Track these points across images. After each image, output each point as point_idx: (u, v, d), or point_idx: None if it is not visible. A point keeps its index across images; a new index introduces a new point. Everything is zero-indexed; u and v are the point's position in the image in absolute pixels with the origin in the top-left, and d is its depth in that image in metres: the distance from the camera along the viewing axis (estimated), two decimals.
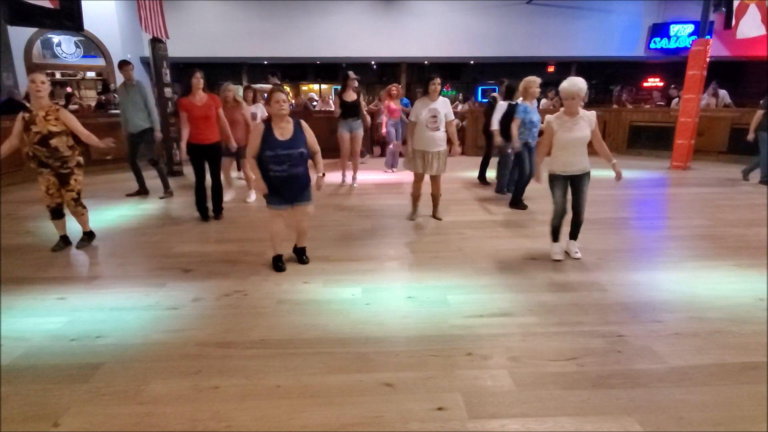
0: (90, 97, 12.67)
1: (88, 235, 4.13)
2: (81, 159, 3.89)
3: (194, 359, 2.36)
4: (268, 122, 3.24)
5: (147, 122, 5.77)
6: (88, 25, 8.00)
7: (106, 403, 2.03)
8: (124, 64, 5.76)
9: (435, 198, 4.90)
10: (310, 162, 3.40)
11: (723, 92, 10.79)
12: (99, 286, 3.29)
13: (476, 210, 5.23)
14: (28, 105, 8.32)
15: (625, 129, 9.92)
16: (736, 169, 7.50)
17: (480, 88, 16.69)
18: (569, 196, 3.65)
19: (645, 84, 15.94)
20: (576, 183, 3.58)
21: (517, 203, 5.36)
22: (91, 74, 12.58)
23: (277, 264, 3.57)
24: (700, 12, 8.17)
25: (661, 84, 15.67)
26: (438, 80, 4.49)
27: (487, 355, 2.39)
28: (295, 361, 2.34)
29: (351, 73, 6.62)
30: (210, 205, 4.94)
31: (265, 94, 3.52)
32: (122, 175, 7.53)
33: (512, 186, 5.80)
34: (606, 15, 13.01)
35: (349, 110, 6.54)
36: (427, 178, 4.75)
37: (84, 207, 3.99)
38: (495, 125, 5.57)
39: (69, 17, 7.11)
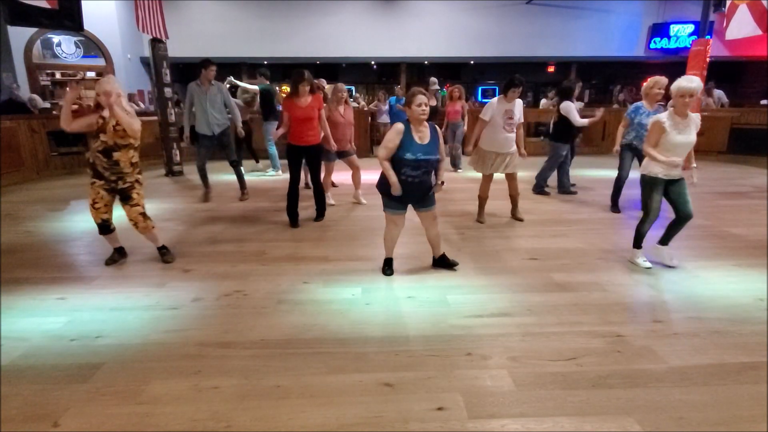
0: (90, 97, 12.63)
1: (166, 249, 3.82)
2: (141, 177, 3.59)
3: (194, 359, 2.36)
4: (407, 124, 3.10)
5: (227, 122, 5.68)
6: (87, 25, 7.99)
7: (106, 403, 2.04)
8: (209, 64, 5.54)
9: (514, 198, 4.88)
10: None
11: (719, 92, 10.80)
12: (99, 286, 3.29)
13: (475, 210, 5.22)
14: (28, 105, 8.32)
15: (600, 126, 9.94)
16: (736, 169, 7.50)
17: (480, 88, 16.70)
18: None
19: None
20: (677, 187, 3.40)
21: (615, 205, 5.36)
22: (91, 74, 12.57)
23: (387, 268, 3.48)
24: (700, 12, 8.18)
25: None
26: (520, 88, 4.51)
27: (487, 355, 2.39)
28: (295, 361, 2.35)
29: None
30: (296, 209, 4.83)
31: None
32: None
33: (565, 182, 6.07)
34: (606, 15, 13.03)
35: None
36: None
37: (151, 220, 3.67)
38: (581, 122, 5.60)
39: (69, 17, 7.10)
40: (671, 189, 3.42)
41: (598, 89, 16.54)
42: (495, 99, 4.66)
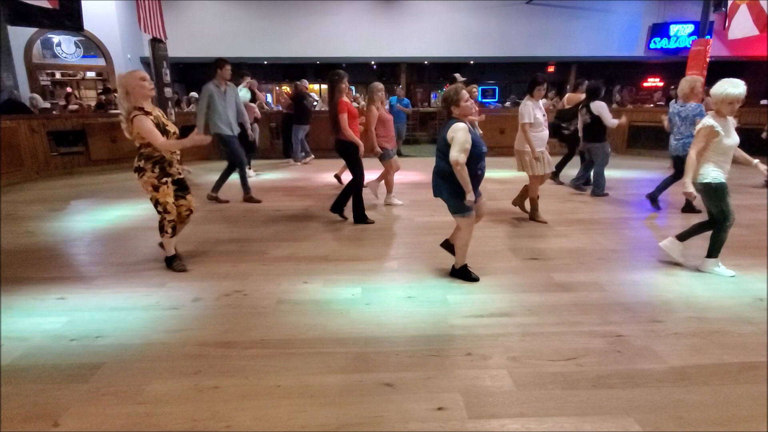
0: (90, 97, 12.68)
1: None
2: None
3: (194, 359, 2.36)
4: (463, 120, 3.02)
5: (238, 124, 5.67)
6: (88, 25, 8.00)
7: (106, 403, 2.04)
8: (224, 63, 5.48)
9: (535, 201, 4.87)
10: None
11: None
12: (99, 286, 3.29)
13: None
14: (28, 105, 8.31)
15: (624, 129, 9.93)
16: (736, 169, 7.47)
17: (480, 88, 16.69)
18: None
19: (645, 84, 15.96)
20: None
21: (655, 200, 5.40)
22: (91, 74, 12.58)
23: (470, 273, 3.36)
24: (700, 12, 8.18)
25: (661, 84, 15.69)
26: (544, 85, 4.63)
27: (487, 355, 2.39)
28: (295, 361, 2.35)
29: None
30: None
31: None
32: (122, 175, 7.55)
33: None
34: (606, 15, 13.02)
35: None
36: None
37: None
38: (613, 122, 5.65)
39: (69, 17, 7.11)
40: None
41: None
42: (527, 102, 4.67)
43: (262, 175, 7.74)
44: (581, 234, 4.41)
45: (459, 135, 2.91)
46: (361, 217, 4.79)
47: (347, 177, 6.54)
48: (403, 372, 2.24)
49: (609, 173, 6.14)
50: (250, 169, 6.12)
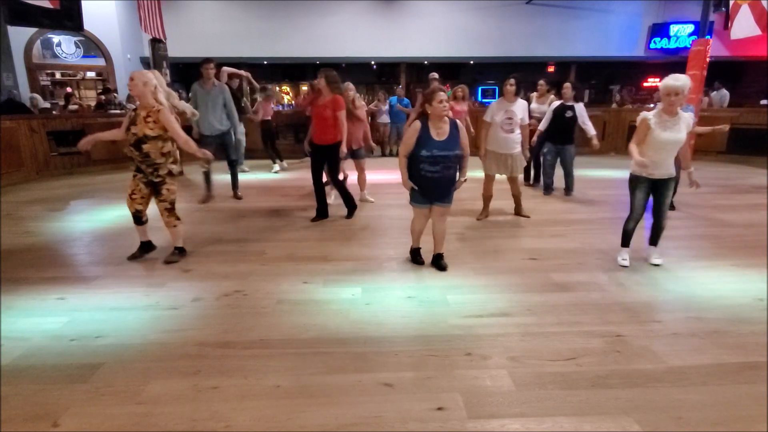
0: (90, 97, 12.67)
1: (180, 251, 3.78)
2: (174, 167, 3.58)
3: (193, 359, 2.36)
4: (425, 121, 3.17)
5: (226, 125, 5.59)
6: (88, 25, 8.01)
7: (106, 403, 2.04)
8: (207, 62, 5.46)
9: (516, 198, 4.96)
10: None
11: (723, 93, 10.81)
12: (99, 286, 3.29)
13: (475, 210, 5.23)
14: (29, 105, 8.32)
15: (624, 129, 9.94)
16: (736, 169, 7.50)
17: (480, 88, 16.69)
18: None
19: (645, 84, 15.94)
20: (660, 188, 3.38)
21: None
22: (91, 74, 12.58)
23: (416, 257, 3.63)
24: (700, 12, 8.17)
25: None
26: (513, 81, 4.53)
27: (487, 355, 2.39)
28: (295, 361, 2.35)
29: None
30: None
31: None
32: (122, 175, 7.54)
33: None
34: (605, 15, 13.02)
35: None
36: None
37: (178, 218, 3.67)
38: (592, 130, 5.66)
39: (69, 17, 7.12)
40: (655, 190, 3.42)
41: (598, 89, 16.53)
42: (496, 100, 4.69)
43: (271, 175, 7.76)
44: (580, 234, 4.41)
45: (407, 132, 3.24)
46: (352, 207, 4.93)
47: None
48: (403, 372, 2.25)
49: (608, 173, 6.15)
50: (237, 166, 6.09)
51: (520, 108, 4.59)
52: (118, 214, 5.23)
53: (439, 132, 3.14)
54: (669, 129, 3.22)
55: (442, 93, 3.08)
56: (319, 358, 2.37)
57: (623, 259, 3.60)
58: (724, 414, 1.95)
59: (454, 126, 3.19)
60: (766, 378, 2.18)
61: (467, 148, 3.28)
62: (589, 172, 7.41)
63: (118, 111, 9.48)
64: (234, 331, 2.65)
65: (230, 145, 5.74)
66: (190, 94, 5.67)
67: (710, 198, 5.87)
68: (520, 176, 5.00)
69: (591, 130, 5.69)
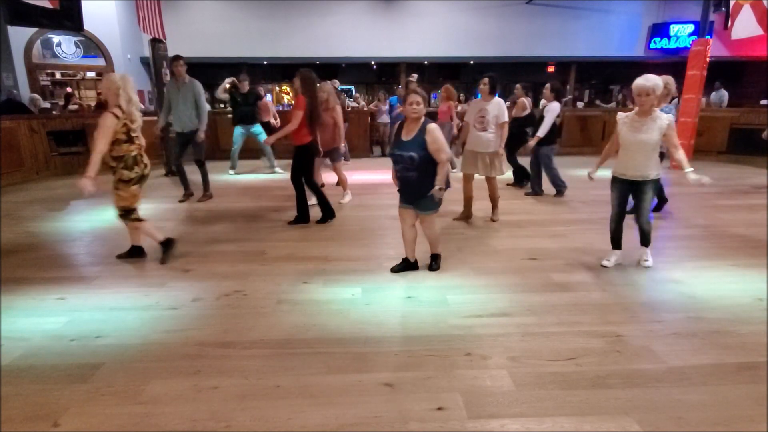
0: (90, 97, 12.67)
1: (165, 245, 3.71)
2: (125, 173, 3.42)
3: (194, 359, 2.36)
4: (404, 121, 3.21)
5: (196, 123, 5.57)
6: (88, 25, 8.00)
7: (106, 403, 2.04)
8: (177, 59, 5.50)
9: (491, 200, 4.86)
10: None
11: (722, 93, 10.82)
12: (99, 286, 3.29)
13: (475, 210, 5.23)
14: (29, 105, 8.32)
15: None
16: (736, 169, 7.50)
17: None
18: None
19: None
20: (636, 190, 3.35)
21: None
22: (91, 74, 12.58)
23: (403, 266, 3.51)
24: (700, 12, 8.17)
25: None
26: (486, 80, 4.51)
27: (487, 355, 2.39)
28: (295, 361, 2.35)
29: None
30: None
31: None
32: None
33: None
34: (605, 15, 13.02)
35: None
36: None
37: (134, 220, 3.58)
38: (540, 131, 5.63)
39: (69, 17, 7.11)
40: (633, 192, 3.39)
41: (597, 89, 16.54)
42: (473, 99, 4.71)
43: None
44: (580, 234, 4.41)
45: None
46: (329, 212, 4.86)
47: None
48: (403, 372, 2.25)
49: (608, 173, 6.12)
50: (205, 167, 6.05)
51: (494, 106, 4.51)
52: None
53: (408, 132, 3.14)
54: (638, 130, 3.20)
55: (414, 95, 3.06)
56: (319, 358, 2.37)
57: (606, 260, 3.59)
58: (724, 414, 1.95)
59: (422, 128, 3.07)
60: (766, 378, 2.18)
61: (438, 153, 3.05)
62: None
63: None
64: (234, 331, 2.65)
65: (197, 144, 5.65)
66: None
67: (710, 198, 5.87)
68: (503, 177, 4.88)
69: (540, 130, 5.63)
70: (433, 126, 3.09)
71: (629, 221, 3.62)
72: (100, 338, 2.57)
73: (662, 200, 5.23)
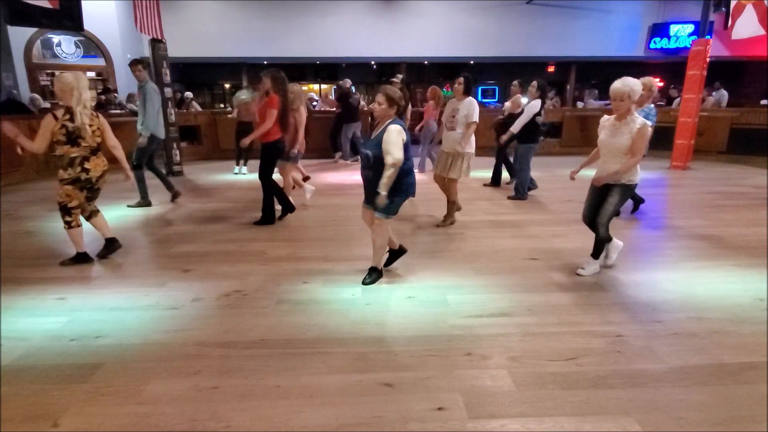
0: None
1: (108, 242, 3.88)
2: (60, 172, 3.70)
3: (194, 359, 2.36)
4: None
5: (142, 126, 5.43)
6: (88, 25, 7.99)
7: (106, 403, 2.04)
8: (131, 63, 5.47)
9: (447, 201, 4.68)
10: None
11: (722, 93, 10.82)
12: (99, 286, 3.29)
13: (474, 210, 5.23)
14: (29, 105, 8.31)
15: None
16: (736, 169, 7.50)
17: (480, 88, 16.70)
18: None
19: None
20: (603, 192, 3.27)
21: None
22: (91, 74, 12.57)
23: (366, 277, 3.33)
24: (700, 12, 8.17)
25: (661, 84, 15.66)
26: (460, 80, 4.51)
27: (487, 355, 2.39)
28: (295, 361, 2.35)
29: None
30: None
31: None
32: (122, 175, 7.52)
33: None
34: (606, 15, 13.02)
35: None
36: None
37: (66, 222, 3.67)
38: (517, 128, 5.59)
39: (69, 17, 7.10)
40: (603, 194, 3.28)
41: (598, 89, 16.52)
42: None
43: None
44: (580, 234, 4.39)
45: None
46: (272, 216, 4.83)
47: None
48: (403, 372, 2.24)
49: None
50: (142, 171, 5.91)
51: (465, 106, 4.44)
52: (118, 214, 5.23)
53: (375, 131, 3.14)
54: (611, 133, 3.13)
55: (379, 94, 3.00)
56: (319, 358, 2.37)
57: (581, 268, 3.44)
58: (724, 414, 1.95)
59: (383, 130, 2.99)
60: (767, 378, 2.18)
61: (385, 155, 2.90)
62: (590, 172, 7.37)
63: (118, 111, 9.49)
64: (234, 331, 2.65)
65: (139, 147, 5.40)
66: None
67: (710, 198, 5.87)
68: (468, 177, 4.72)
69: (514, 126, 5.59)
70: (393, 127, 2.96)
71: (618, 222, 3.61)
72: (100, 338, 2.57)
73: (638, 201, 5.17)
